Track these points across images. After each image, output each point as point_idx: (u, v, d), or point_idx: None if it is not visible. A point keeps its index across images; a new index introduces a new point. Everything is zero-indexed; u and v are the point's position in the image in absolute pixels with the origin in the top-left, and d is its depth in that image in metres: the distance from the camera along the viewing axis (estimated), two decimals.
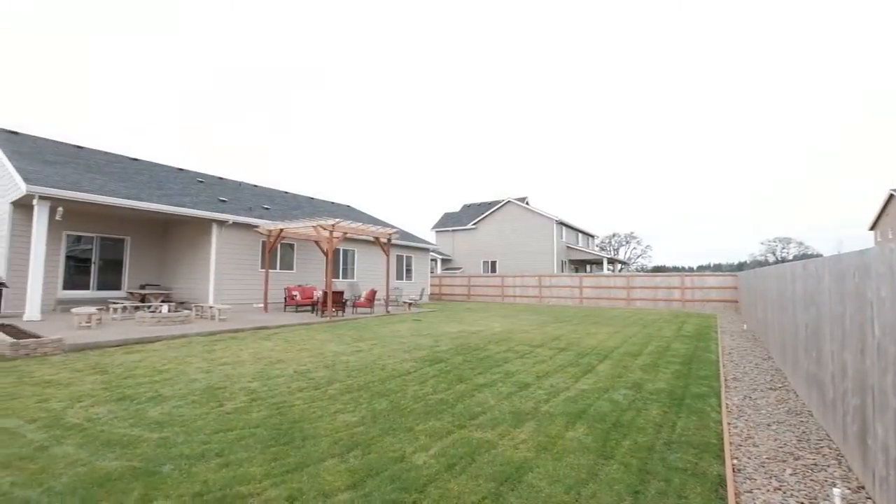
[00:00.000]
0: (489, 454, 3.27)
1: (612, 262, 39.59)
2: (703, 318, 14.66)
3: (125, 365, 6.08)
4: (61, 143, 15.11)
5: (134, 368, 5.88)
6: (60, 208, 10.49)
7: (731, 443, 3.61)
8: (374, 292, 14.64)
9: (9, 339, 6.65)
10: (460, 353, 7.28)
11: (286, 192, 22.10)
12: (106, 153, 16.03)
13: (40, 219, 10.10)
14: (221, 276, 13.50)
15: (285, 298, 14.28)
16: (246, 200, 16.87)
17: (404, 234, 22.05)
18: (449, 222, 37.10)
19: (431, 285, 26.13)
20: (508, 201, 33.27)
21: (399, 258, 21.61)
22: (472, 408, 4.37)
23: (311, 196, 23.63)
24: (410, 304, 17.23)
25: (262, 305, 14.42)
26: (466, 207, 39.30)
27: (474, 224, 34.35)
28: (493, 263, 33.09)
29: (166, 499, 2.58)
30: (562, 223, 31.64)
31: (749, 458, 3.35)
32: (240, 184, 19.81)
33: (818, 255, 31.19)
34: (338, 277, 17.68)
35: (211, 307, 11.22)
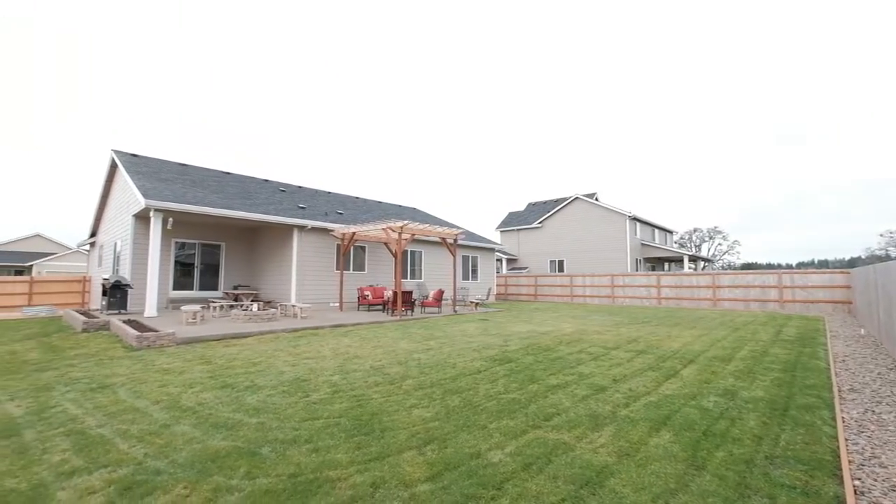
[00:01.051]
0: (566, 456, 3.18)
1: (693, 259, 36.50)
2: (806, 321, 13.00)
3: (225, 357, 6.79)
4: (169, 161, 17.26)
5: (232, 360, 6.54)
6: (171, 219, 11.99)
7: (850, 461, 3.17)
8: (441, 292, 14.89)
9: (134, 333, 7.74)
10: (530, 354, 7.17)
11: (357, 198, 23.25)
12: (204, 169, 18.02)
13: (155, 228, 11.62)
14: (302, 277, 14.55)
15: (358, 298, 15.03)
16: (321, 206, 18.03)
17: (469, 235, 22.17)
18: (514, 221, 36.61)
19: (497, 285, 25.97)
20: (576, 197, 32.05)
21: (465, 258, 21.76)
22: (545, 409, 4.29)
23: (379, 200, 24.63)
24: (477, 303, 17.27)
25: (337, 304, 15.30)
26: (532, 206, 38.51)
27: (540, 222, 33.56)
28: (561, 263, 32.07)
29: (267, 477, 2.85)
30: (635, 219, 29.80)
31: (875, 479, 2.92)
32: (316, 191, 21.22)
33: None
34: (406, 278, 18.23)
35: (293, 306, 12.14)
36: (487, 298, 19.89)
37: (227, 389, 4.93)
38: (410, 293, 13.79)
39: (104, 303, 12.06)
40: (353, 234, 14.45)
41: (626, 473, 2.92)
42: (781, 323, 12.43)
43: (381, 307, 15.02)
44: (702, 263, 40.60)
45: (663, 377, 5.62)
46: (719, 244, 59.44)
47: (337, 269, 15.58)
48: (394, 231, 13.07)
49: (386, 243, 15.97)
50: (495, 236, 36.29)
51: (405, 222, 12.98)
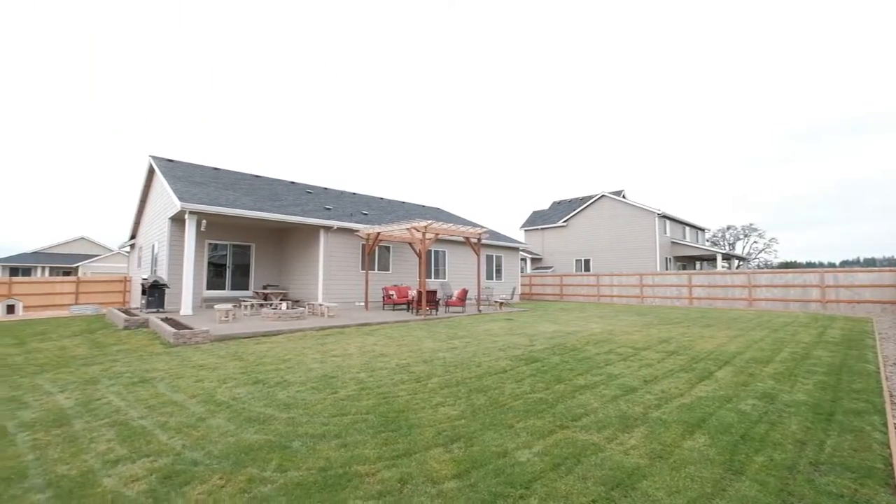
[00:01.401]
0: (596, 457, 3.12)
1: (727, 257, 35.14)
2: (852, 322, 12.29)
3: (256, 353, 6.99)
4: (203, 166, 17.92)
5: (263, 357, 6.73)
6: (204, 221, 12.45)
7: None
8: (465, 291, 14.87)
9: (172, 330, 8.08)
10: (557, 354, 7.06)
11: (381, 198, 23.52)
12: (235, 172, 18.62)
13: (190, 230, 12.09)
14: (328, 277, 14.83)
15: (383, 297, 15.19)
16: (347, 207, 18.32)
17: (493, 234, 22.06)
18: (538, 221, 36.18)
19: (522, 285, 25.74)
20: (602, 195, 31.39)
21: (489, 258, 21.67)
22: (573, 409, 4.21)
23: (403, 200, 24.82)
24: (501, 303, 17.17)
25: (363, 304, 15.51)
26: (556, 204, 37.97)
27: (565, 221, 33.04)
28: (587, 262, 31.48)
29: (298, 470, 2.91)
30: (665, 216, 28.93)
31: None
32: (341, 192, 21.58)
33: None
34: (430, 278, 18.30)
35: (321, 305, 12.39)
36: (512, 298, 19.74)
37: (259, 385, 5.08)
38: (435, 293, 13.84)
39: (143, 302, 12.64)
40: (378, 234, 14.61)
41: (660, 476, 2.83)
42: (824, 324, 11.80)
43: (405, 306, 15.13)
44: (736, 262, 39.00)
45: (696, 379, 5.43)
46: (755, 242, 56.94)
47: (362, 269, 15.80)
48: (418, 231, 13.15)
49: (410, 243, 16.08)
50: (519, 235, 35.97)
51: (429, 222, 13.04)
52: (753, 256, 56.73)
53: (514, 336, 9.08)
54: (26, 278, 17.79)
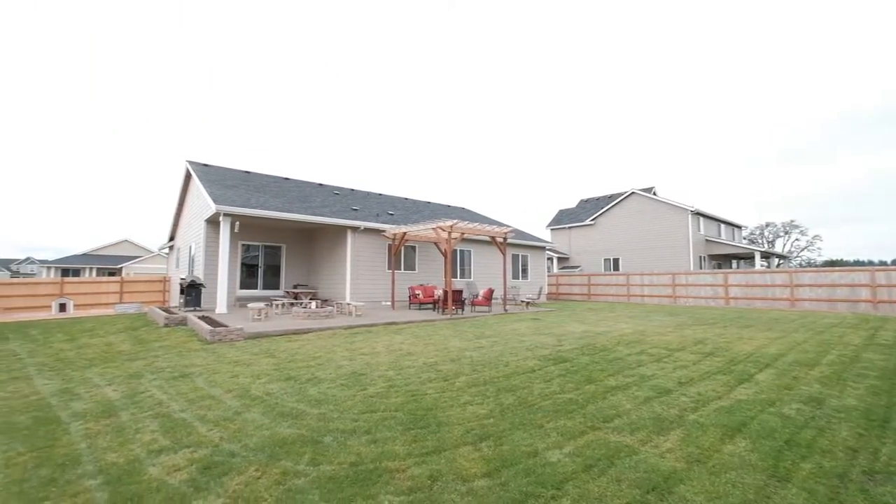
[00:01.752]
0: (630, 459, 3.04)
1: (766, 256, 33.61)
2: None
3: (287, 351, 7.18)
4: (235, 170, 18.56)
5: (294, 354, 6.90)
6: (237, 222, 12.89)
7: None
8: (491, 291, 14.80)
9: (208, 328, 8.40)
10: (586, 354, 6.92)
11: (406, 199, 23.71)
12: (265, 175, 19.19)
13: (224, 231, 12.54)
14: (356, 277, 15.07)
15: (409, 297, 15.31)
16: (373, 208, 18.57)
17: (519, 233, 21.86)
18: (564, 219, 35.60)
19: (548, 285, 25.38)
20: (632, 192, 30.56)
21: (514, 257, 21.49)
22: (604, 410, 4.12)
23: (428, 200, 24.94)
24: (528, 303, 16.99)
25: (389, 303, 15.68)
26: (583, 203, 37.26)
27: (593, 220, 32.36)
28: (616, 261, 30.73)
29: (330, 464, 2.97)
30: (698, 213, 27.89)
31: None
32: (367, 193, 21.89)
33: None
34: (456, 277, 18.31)
35: (348, 304, 12.61)
36: (539, 298, 19.50)
37: (291, 381, 5.21)
38: (460, 292, 13.83)
39: (181, 300, 13.20)
40: (404, 234, 14.74)
41: (698, 481, 2.73)
42: (876, 325, 11.08)
43: (431, 306, 15.20)
44: (776, 260, 37.18)
45: (735, 381, 5.21)
46: (796, 239, 54.01)
47: (388, 269, 15.98)
48: (443, 230, 13.18)
49: (436, 243, 16.15)
50: (545, 235, 35.50)
51: (455, 221, 13.05)
52: (795, 255, 53.88)
53: (542, 336, 8.96)
54: (76, 279, 18.91)
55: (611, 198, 33.20)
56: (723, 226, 31.67)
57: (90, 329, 10.56)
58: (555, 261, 33.95)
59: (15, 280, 18.02)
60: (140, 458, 3.10)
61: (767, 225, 55.33)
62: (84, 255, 41.80)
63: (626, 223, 30.50)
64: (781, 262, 40.92)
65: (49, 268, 39.47)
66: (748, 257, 31.29)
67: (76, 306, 17.04)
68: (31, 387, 5.30)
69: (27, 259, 75.82)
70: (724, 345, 7.83)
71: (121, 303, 18.52)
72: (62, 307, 15.86)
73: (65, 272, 37.63)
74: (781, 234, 54.65)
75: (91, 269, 38.52)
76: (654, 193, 31.40)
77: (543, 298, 22.24)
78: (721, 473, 2.83)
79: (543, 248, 23.51)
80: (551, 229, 35.82)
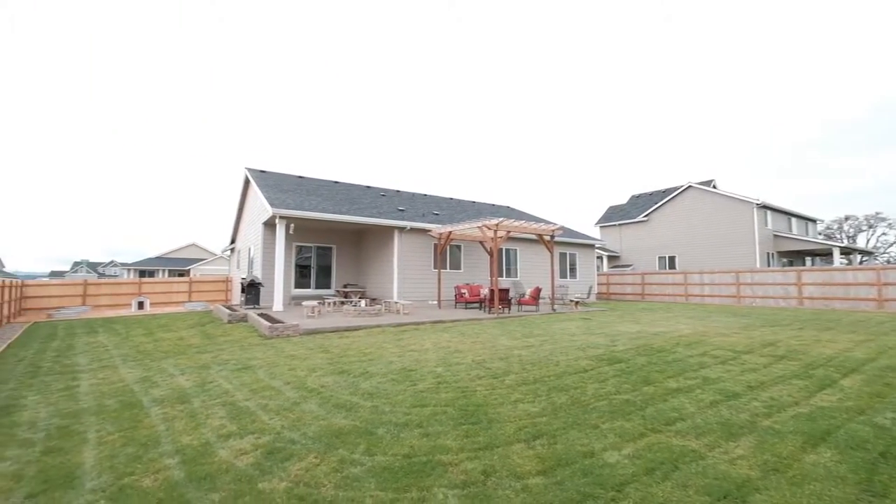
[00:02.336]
0: (696, 465, 2.85)
1: (846, 252, 30.48)
2: None
3: (340, 346, 7.43)
4: (289, 175, 19.52)
5: (346, 350, 7.13)
6: (292, 224, 13.54)
7: None
8: (538, 290, 14.52)
9: (267, 324, 8.88)
10: (642, 355, 6.60)
11: (451, 198, 23.82)
12: (316, 179, 20.02)
13: (280, 233, 13.22)
14: (402, 276, 15.34)
15: (455, 296, 15.36)
16: (419, 208, 18.82)
17: (567, 231, 21.28)
18: (615, 216, 34.20)
19: (598, 284, 24.49)
20: (689, 186, 28.80)
21: (562, 256, 20.95)
22: (665, 412, 3.90)
23: (473, 200, 24.90)
24: (577, 302, 16.49)
25: (435, 302, 15.82)
26: (635, 199, 35.61)
27: (646, 216, 30.84)
28: (671, 259, 29.09)
29: (384, 455, 3.03)
30: (765, 206, 25.77)
31: None
32: (413, 194, 22.23)
33: None
34: (501, 276, 18.13)
35: (396, 302, 12.85)
36: (588, 297, 18.88)
37: (344, 375, 5.38)
38: (507, 291, 13.68)
39: (242, 299, 14.07)
40: (450, 233, 14.80)
41: (777, 491, 2.51)
42: None
43: (477, 305, 15.15)
44: (859, 257, 33.57)
45: (815, 387, 4.74)
46: (883, 234, 48.43)
47: (434, 268, 16.11)
48: (489, 228, 13.09)
49: (481, 242, 16.09)
50: (594, 233, 34.29)
51: (500, 220, 12.92)
52: (882, 250, 48.32)
53: (593, 336, 8.66)
54: (151, 279, 20.73)
55: (665, 192, 31.49)
56: (794, 220, 29.06)
57: (164, 324, 11.51)
58: (604, 259, 32.73)
59: (102, 280, 20.04)
60: (210, 442, 3.33)
61: (847, 218, 50.02)
62: (158, 257, 45.75)
63: (683, 219, 28.80)
64: (865, 258, 36.91)
65: (128, 270, 43.59)
66: (825, 254, 28.48)
67: (152, 304, 18.64)
68: (117, 375, 5.86)
69: (111, 262, 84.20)
70: (799, 347, 7.16)
71: (189, 301, 20.07)
72: (140, 305, 17.41)
73: (142, 273, 41.36)
74: (864, 227, 49.19)
75: (164, 270, 42.07)
76: (714, 187, 29.41)
77: (593, 298, 21.49)
78: (803, 484, 2.58)
79: (592, 246, 22.73)
80: (600, 227, 34.57)
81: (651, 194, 33.93)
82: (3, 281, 12.93)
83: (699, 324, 10.76)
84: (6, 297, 13.17)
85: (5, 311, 12.98)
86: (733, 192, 27.08)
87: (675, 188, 30.04)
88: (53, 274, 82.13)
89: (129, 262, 49.51)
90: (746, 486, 2.56)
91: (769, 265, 25.48)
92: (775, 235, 26.54)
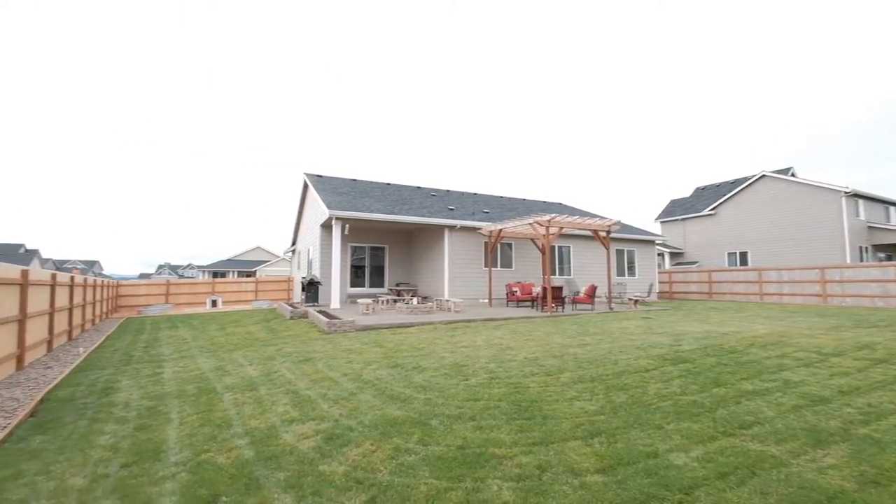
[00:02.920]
0: (778, 472, 2.59)
1: None
2: None
3: (393, 342, 7.60)
4: (343, 178, 20.33)
5: (400, 345, 7.28)
6: (347, 225, 14.09)
7: None
8: (594, 288, 13.98)
9: (325, 320, 9.30)
10: (711, 355, 6.13)
11: (501, 197, 23.59)
12: (368, 182, 20.67)
13: (336, 234, 13.80)
14: (453, 274, 15.42)
15: (507, 294, 15.18)
16: (469, 207, 18.83)
17: (623, 227, 20.32)
18: (677, 210, 32.10)
19: (659, 282, 23.12)
20: (763, 175, 26.35)
21: (619, 252, 20.01)
22: (739, 415, 3.59)
23: (524, 198, 24.50)
24: (636, 301, 15.67)
25: (486, 300, 15.73)
26: (700, 191, 33.22)
27: (713, 209, 28.64)
28: (743, 255, 26.79)
29: (437, 445, 3.05)
30: (856, 195, 22.97)
31: None
32: (462, 193, 22.28)
33: None
34: (553, 274, 17.67)
35: (447, 300, 12.94)
36: (649, 296, 17.88)
37: (398, 369, 5.50)
38: (560, 289, 13.31)
39: (302, 297, 14.84)
40: (500, 231, 14.66)
41: None
42: None
43: (529, 303, 14.87)
44: None
45: None
46: None
47: (485, 266, 16.04)
48: (541, 225, 12.81)
49: (532, 239, 15.78)
50: (654, 228, 32.43)
51: (553, 216, 12.60)
52: None
53: (655, 335, 8.18)
54: (223, 279, 22.48)
55: (734, 183, 29.09)
56: (892, 208, 25.68)
57: (234, 320, 12.42)
58: (666, 256, 30.84)
59: (181, 281, 22.04)
60: (276, 426, 3.53)
61: None
62: (228, 260, 49.56)
63: (756, 211, 26.43)
64: None
65: (203, 271, 47.60)
66: None
67: (224, 302, 20.18)
68: (195, 364, 6.40)
69: (188, 265, 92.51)
70: None
71: (256, 299, 21.52)
72: (214, 303, 18.91)
73: (214, 274, 45.00)
74: None
75: (233, 271, 45.49)
76: (793, 175, 26.74)
77: (654, 297, 20.32)
78: None
79: (652, 242, 21.50)
80: (661, 222, 32.62)
81: (718, 186, 31.51)
82: (103, 282, 14.64)
83: (777, 324, 9.82)
84: (105, 296, 14.90)
85: (105, 308, 14.70)
86: (816, 180, 24.44)
87: (746, 178, 27.66)
88: (142, 275, 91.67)
89: (204, 264, 54.04)
90: (840, 498, 2.29)
91: (862, 260, 22.70)
92: (869, 227, 23.60)
